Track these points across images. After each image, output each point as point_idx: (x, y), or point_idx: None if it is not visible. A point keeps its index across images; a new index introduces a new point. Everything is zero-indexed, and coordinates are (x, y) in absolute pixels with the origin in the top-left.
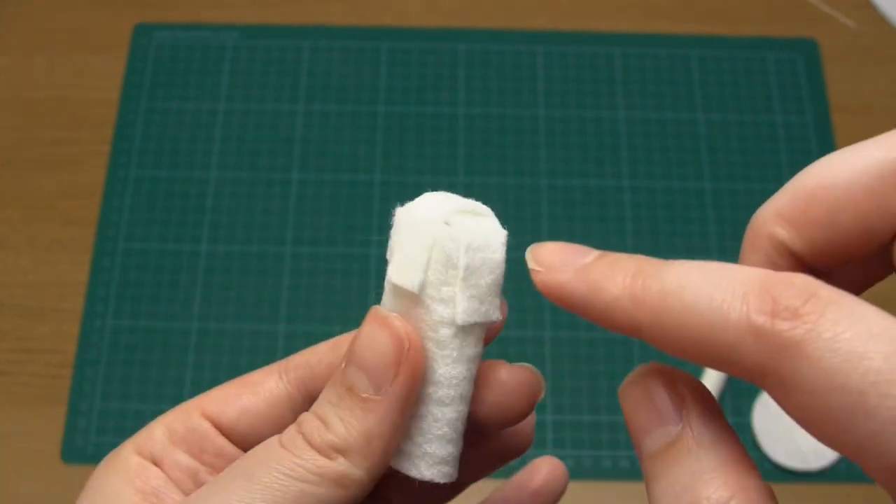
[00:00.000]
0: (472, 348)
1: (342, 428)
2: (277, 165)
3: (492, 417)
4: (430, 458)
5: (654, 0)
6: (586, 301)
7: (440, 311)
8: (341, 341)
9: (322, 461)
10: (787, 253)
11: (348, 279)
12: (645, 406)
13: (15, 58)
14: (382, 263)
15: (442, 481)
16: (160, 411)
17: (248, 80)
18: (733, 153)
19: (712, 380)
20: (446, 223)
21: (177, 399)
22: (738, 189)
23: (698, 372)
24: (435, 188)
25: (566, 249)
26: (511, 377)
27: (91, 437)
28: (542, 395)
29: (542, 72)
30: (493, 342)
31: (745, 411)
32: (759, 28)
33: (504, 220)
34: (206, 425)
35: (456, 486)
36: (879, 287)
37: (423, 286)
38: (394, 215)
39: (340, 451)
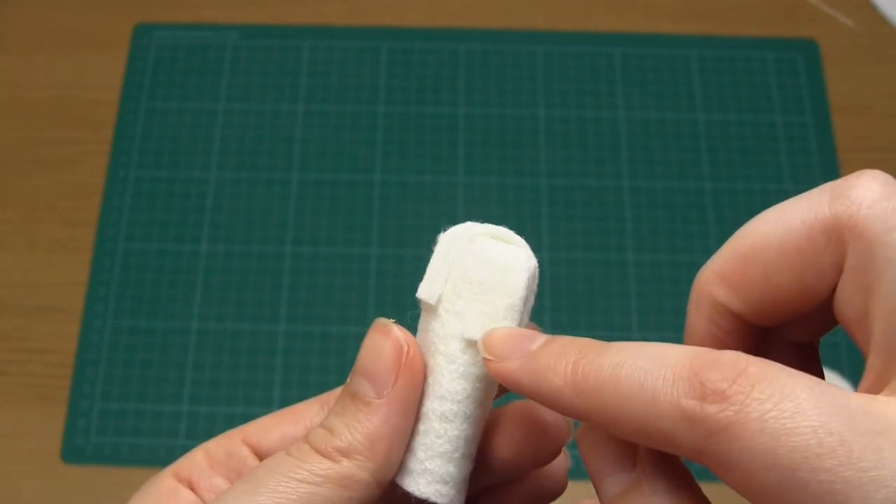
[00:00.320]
0: (481, 368)
1: (347, 432)
2: (277, 165)
3: (520, 456)
4: (430, 476)
5: (654, 0)
6: (532, 390)
7: (453, 323)
8: None
9: (326, 463)
10: (728, 313)
11: (348, 279)
12: (600, 452)
13: (15, 58)
14: (382, 263)
15: (439, 501)
16: (160, 411)
17: (248, 80)
18: (733, 153)
19: None
20: (470, 241)
21: (177, 399)
22: (738, 189)
23: None
24: (435, 188)
25: (514, 336)
26: (538, 416)
27: (91, 437)
28: (570, 439)
29: (542, 72)
30: None
31: None
32: (759, 28)
33: (504, 220)
34: (246, 451)
35: None
36: None
37: (440, 299)
38: (445, 241)
39: (344, 453)
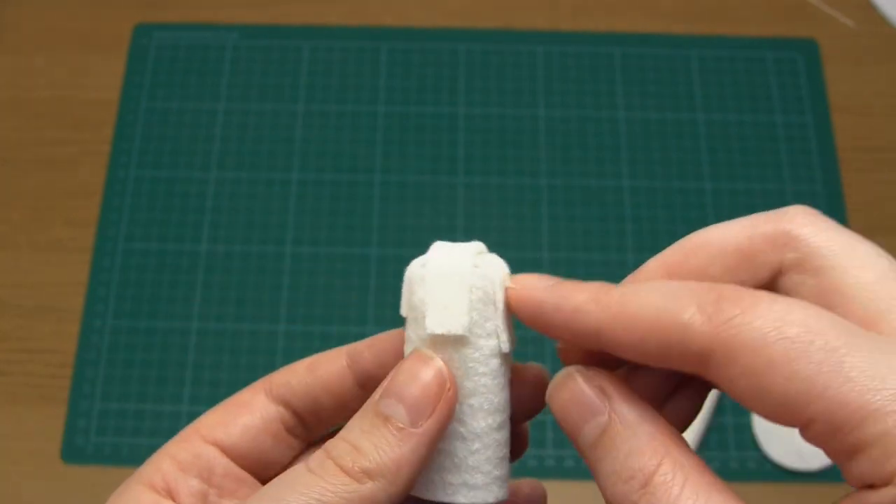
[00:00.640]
0: (508, 373)
1: (376, 453)
2: (277, 165)
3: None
4: (500, 481)
5: (653, 0)
6: (556, 307)
7: (489, 345)
8: (318, 361)
9: (353, 485)
10: None
11: (348, 279)
12: (574, 404)
13: (15, 58)
14: (382, 263)
15: (505, 498)
16: (160, 411)
17: (247, 80)
18: (733, 153)
19: (692, 432)
20: (476, 266)
21: (177, 399)
22: (738, 189)
23: None
24: (435, 188)
25: (537, 275)
26: (527, 372)
27: (91, 437)
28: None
29: (542, 72)
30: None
31: (745, 411)
32: (759, 28)
33: (504, 220)
34: (212, 450)
35: None
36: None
37: (469, 327)
38: (407, 272)
39: (371, 475)
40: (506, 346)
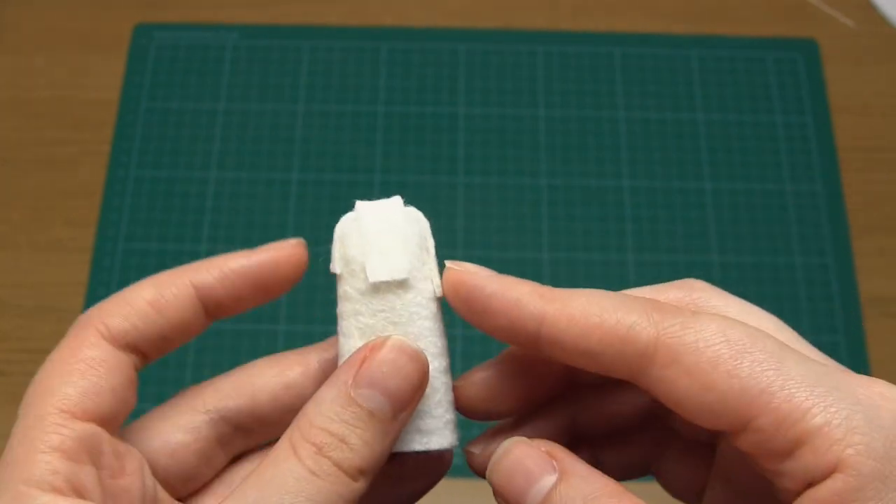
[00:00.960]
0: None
1: (368, 451)
2: (277, 165)
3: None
4: (451, 426)
5: (653, 0)
6: (497, 293)
7: (428, 288)
8: (164, 298)
9: (354, 486)
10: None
11: None
12: (519, 471)
13: (15, 58)
14: None
15: (456, 444)
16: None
17: (248, 80)
18: (733, 153)
19: None
20: (407, 214)
21: None
22: (738, 189)
23: None
24: (435, 188)
25: (476, 265)
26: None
27: None
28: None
29: (542, 72)
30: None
31: None
32: (759, 28)
33: (504, 220)
34: (91, 427)
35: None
36: (880, 286)
37: (410, 271)
38: (338, 228)
39: (364, 473)
40: (439, 291)
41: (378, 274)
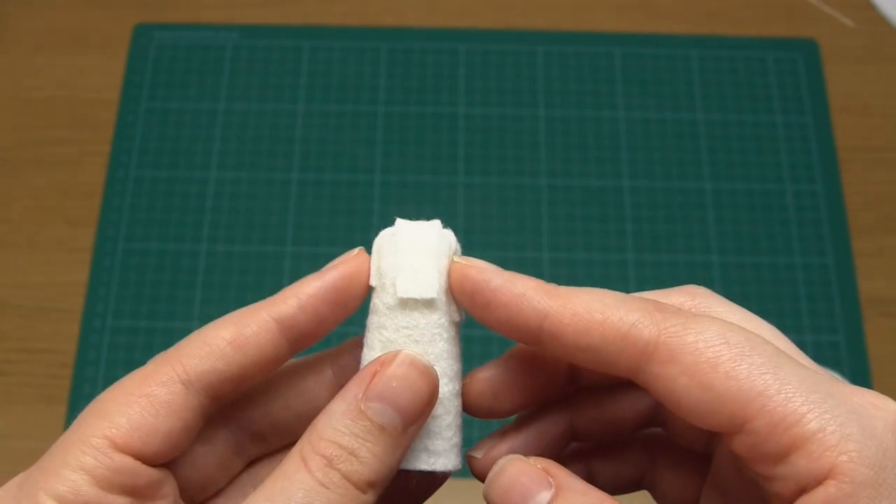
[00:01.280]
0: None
1: (377, 464)
2: (277, 165)
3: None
4: (457, 449)
5: (654, 0)
6: (502, 287)
7: (451, 311)
8: (242, 336)
9: (363, 498)
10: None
11: None
12: (515, 488)
13: (15, 58)
14: None
15: (458, 468)
16: None
17: (248, 80)
18: (733, 153)
19: None
20: (443, 236)
21: None
22: (738, 189)
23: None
24: (435, 188)
25: (481, 260)
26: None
27: None
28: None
29: (542, 72)
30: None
31: None
32: (759, 28)
33: (504, 220)
34: (130, 461)
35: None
36: (880, 286)
37: (439, 292)
38: (377, 240)
39: (374, 486)
40: (458, 316)
41: (407, 290)
